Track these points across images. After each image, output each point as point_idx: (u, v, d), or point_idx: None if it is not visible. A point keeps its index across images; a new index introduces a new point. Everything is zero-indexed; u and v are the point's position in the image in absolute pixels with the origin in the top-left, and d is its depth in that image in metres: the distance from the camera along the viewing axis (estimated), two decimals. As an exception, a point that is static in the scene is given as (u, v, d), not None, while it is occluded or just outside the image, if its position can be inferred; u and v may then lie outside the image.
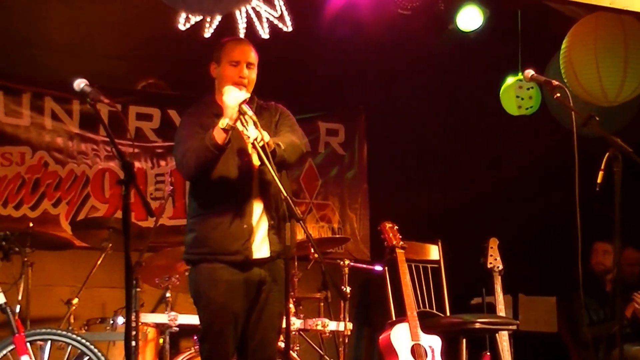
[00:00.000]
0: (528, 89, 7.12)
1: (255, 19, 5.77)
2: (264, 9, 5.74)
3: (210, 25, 5.66)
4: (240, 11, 5.55)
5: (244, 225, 4.45)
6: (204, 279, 4.48)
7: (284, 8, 5.83)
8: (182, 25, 5.66)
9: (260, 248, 4.49)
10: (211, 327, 4.46)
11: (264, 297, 4.51)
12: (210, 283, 4.45)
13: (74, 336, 5.34)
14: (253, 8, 5.70)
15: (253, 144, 4.30)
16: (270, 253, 4.50)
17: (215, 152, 4.35)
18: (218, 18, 5.65)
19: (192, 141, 4.42)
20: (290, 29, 5.97)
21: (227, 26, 5.93)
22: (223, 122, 4.33)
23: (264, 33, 5.79)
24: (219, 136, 4.33)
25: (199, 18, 5.61)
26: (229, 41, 4.71)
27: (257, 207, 4.50)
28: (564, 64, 6.32)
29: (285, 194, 4.18)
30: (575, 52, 6.30)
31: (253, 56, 4.60)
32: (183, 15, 5.57)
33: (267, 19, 5.80)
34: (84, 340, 5.31)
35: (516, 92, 7.15)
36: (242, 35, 5.65)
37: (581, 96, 6.30)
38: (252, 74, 4.58)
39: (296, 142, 4.60)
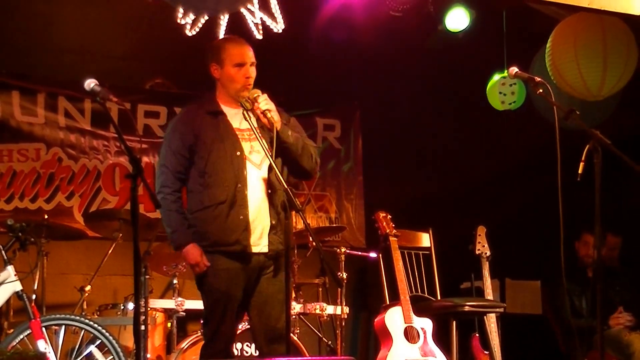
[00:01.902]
0: (511, 85, 7.10)
1: (250, 20, 5.70)
2: (257, 11, 5.66)
3: (219, 27, 5.57)
4: (224, 14, 5.46)
5: (240, 216, 4.40)
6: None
7: (278, 9, 5.76)
8: (188, 32, 5.58)
9: (259, 244, 4.45)
10: (214, 312, 4.46)
11: (266, 279, 4.50)
12: (211, 271, 4.43)
13: (87, 321, 5.32)
14: (248, 9, 5.61)
15: (264, 112, 4.30)
16: (269, 251, 4.47)
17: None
18: (225, 19, 5.57)
19: (170, 184, 4.52)
20: (281, 28, 5.86)
21: (230, 26, 5.91)
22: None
23: (259, 34, 5.70)
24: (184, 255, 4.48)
25: (203, 20, 5.54)
26: (228, 42, 4.60)
27: (254, 201, 4.44)
28: (549, 63, 6.30)
29: (286, 186, 4.16)
30: (557, 51, 6.27)
31: (252, 54, 4.54)
32: (189, 21, 5.48)
33: (262, 19, 5.72)
34: (96, 325, 5.29)
35: (499, 89, 7.13)
36: (222, 34, 5.55)
37: (568, 92, 6.28)
38: (254, 72, 4.52)
39: (307, 142, 4.58)
